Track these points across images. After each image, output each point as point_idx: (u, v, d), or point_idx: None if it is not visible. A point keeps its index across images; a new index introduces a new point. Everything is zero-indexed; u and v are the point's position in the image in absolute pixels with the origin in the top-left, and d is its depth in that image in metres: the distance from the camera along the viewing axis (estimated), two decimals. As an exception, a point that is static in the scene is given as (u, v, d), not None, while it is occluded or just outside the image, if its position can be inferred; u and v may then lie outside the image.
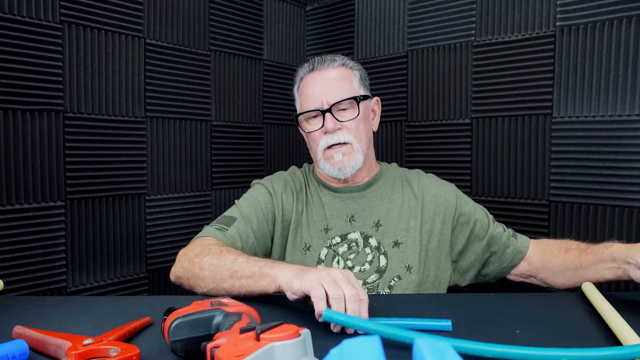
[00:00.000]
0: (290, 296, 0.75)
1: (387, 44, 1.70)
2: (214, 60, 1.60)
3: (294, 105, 1.20)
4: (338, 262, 1.06)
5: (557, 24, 1.32)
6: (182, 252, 0.98)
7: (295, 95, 1.17)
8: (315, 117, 1.08)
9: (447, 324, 0.72)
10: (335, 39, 1.86)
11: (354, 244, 1.07)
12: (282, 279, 0.77)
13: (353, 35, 1.79)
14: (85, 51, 1.27)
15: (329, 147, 1.06)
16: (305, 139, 1.18)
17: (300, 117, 1.11)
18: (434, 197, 1.11)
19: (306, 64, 1.12)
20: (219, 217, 1.09)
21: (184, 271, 0.93)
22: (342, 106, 1.06)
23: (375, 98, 1.17)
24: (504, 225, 1.14)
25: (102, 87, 1.31)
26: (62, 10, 1.22)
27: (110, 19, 1.32)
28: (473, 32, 1.49)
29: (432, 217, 1.10)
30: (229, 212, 1.10)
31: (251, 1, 1.72)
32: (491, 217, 1.15)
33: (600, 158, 1.26)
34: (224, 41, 1.63)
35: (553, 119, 1.34)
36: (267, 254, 1.12)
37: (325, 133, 1.06)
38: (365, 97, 1.10)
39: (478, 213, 1.13)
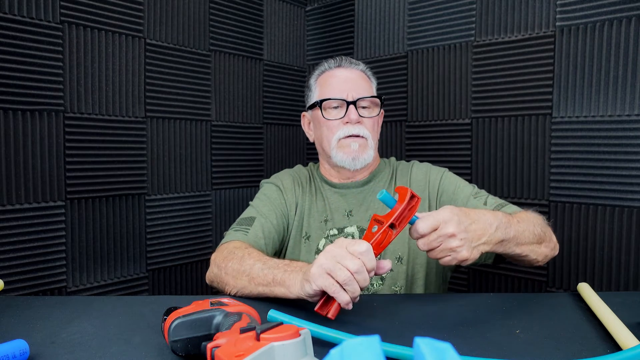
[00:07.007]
0: (312, 300, 0.75)
1: (387, 44, 1.70)
2: (214, 60, 1.60)
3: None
4: None
5: (557, 24, 1.32)
6: (213, 256, 1.02)
7: (313, 85, 1.19)
8: (336, 107, 1.12)
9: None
10: (335, 39, 1.86)
11: (350, 237, 1.09)
12: (295, 289, 0.77)
13: (353, 35, 1.79)
14: (85, 51, 1.27)
15: (347, 137, 1.10)
16: (309, 133, 1.22)
17: (324, 104, 1.13)
18: (419, 183, 1.14)
19: (332, 60, 1.18)
20: (237, 220, 1.12)
21: (214, 276, 0.99)
22: (364, 104, 1.12)
23: (381, 110, 1.21)
24: (498, 200, 1.06)
25: (102, 87, 1.31)
26: (62, 10, 1.22)
27: (110, 19, 1.32)
28: (473, 32, 1.48)
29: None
30: (246, 213, 1.13)
31: (251, 1, 1.72)
32: (479, 191, 1.10)
33: (600, 158, 1.26)
34: (224, 41, 1.63)
35: (553, 119, 1.34)
36: (285, 246, 1.16)
37: (346, 123, 1.10)
38: (382, 103, 1.16)
39: (463, 189, 1.10)
